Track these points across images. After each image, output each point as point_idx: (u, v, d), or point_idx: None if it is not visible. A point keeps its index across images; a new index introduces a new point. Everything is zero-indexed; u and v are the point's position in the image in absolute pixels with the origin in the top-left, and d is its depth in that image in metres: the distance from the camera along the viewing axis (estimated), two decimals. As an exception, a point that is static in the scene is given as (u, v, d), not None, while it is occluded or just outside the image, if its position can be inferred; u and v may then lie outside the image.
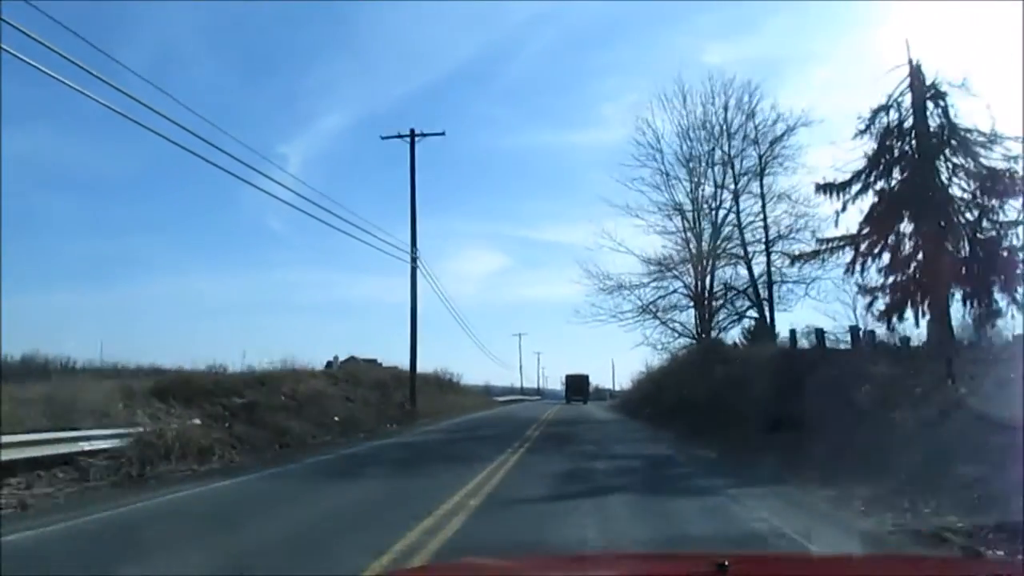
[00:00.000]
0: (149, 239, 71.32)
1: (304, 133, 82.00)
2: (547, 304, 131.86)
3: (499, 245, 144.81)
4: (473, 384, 66.46)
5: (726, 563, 2.11)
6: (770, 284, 26.30)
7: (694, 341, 27.95)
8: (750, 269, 26.90)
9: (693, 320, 28.61)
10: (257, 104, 77.24)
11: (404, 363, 28.92)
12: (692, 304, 28.33)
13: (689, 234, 27.90)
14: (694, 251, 27.52)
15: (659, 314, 28.74)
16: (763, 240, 26.42)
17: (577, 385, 69.66)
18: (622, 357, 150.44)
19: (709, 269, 27.46)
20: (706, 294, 27.67)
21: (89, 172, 69.00)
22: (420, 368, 29.45)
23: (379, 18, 77.88)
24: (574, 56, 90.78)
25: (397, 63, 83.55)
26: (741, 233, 26.78)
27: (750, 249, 26.79)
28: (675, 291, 28.47)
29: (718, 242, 27.21)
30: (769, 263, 26.32)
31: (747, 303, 27.20)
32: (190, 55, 65.73)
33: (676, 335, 29.19)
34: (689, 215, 28.06)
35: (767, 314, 26.15)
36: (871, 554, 4.57)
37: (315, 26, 75.99)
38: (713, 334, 27.64)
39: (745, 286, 27.21)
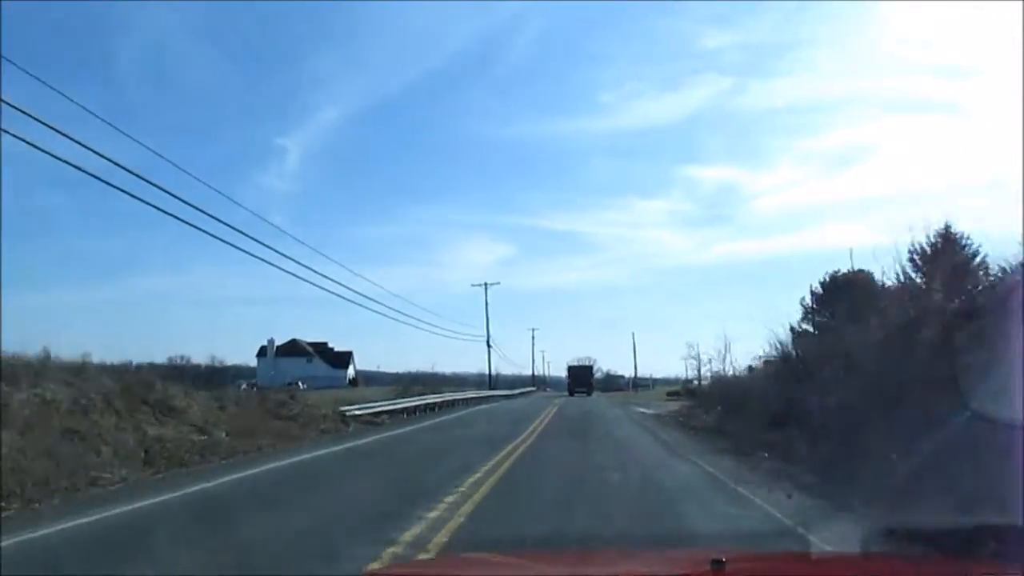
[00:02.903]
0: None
1: (302, 126, 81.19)
2: (556, 293, 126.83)
3: (503, 235, 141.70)
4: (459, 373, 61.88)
5: (723, 560, 2.06)
6: None
7: None
8: None
9: None
10: (256, 98, 76.94)
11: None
12: None
13: None
14: None
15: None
16: None
17: (581, 376, 67.68)
18: (647, 335, 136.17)
19: None
20: None
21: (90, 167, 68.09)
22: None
23: (373, 10, 78.49)
24: (568, 44, 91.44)
25: (392, 55, 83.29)
26: None
27: None
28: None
29: None
30: None
31: None
32: (184, 52, 65.24)
33: None
34: None
35: None
36: (870, 552, 4.39)
37: (310, 20, 75.74)
38: None
39: None
